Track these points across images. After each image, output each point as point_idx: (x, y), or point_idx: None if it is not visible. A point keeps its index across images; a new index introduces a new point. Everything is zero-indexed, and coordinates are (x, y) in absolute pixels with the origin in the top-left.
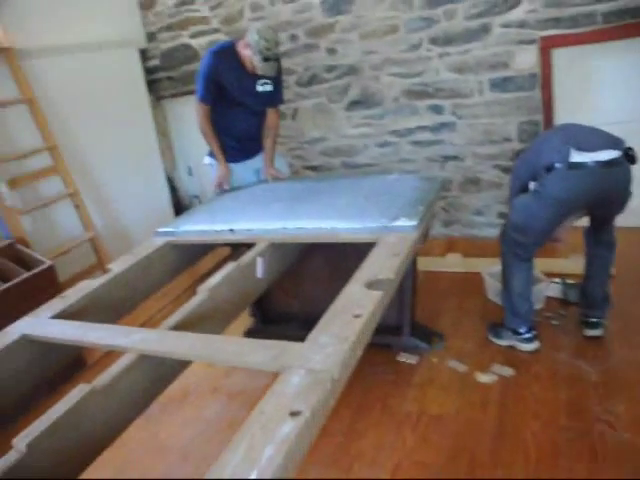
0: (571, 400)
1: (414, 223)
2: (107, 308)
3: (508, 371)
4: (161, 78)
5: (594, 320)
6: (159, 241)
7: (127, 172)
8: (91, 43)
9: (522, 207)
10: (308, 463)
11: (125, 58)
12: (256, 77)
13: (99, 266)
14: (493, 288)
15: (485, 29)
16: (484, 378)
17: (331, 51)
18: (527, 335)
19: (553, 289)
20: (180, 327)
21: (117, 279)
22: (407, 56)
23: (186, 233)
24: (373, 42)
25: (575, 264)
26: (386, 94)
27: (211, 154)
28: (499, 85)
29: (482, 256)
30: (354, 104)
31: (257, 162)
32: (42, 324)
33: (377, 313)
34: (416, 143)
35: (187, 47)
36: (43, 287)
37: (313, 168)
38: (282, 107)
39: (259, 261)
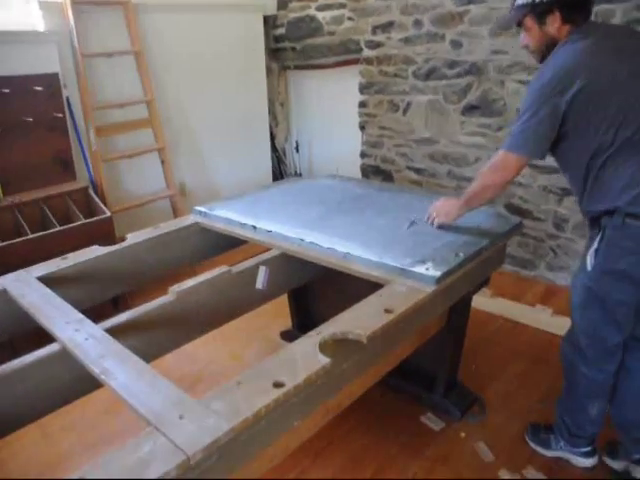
0: None
1: (436, 274)
2: (107, 279)
3: None
4: (286, 48)
5: None
6: (190, 220)
7: (229, 136)
8: (215, 5)
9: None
10: None
11: (247, 22)
12: None
13: None
14: None
15: None
16: (508, 477)
17: (456, 44)
18: (585, 448)
19: None
20: (129, 327)
21: (126, 251)
22: None
23: (216, 218)
24: (504, 40)
25: None
26: (509, 103)
27: None
28: None
29: None
30: (471, 109)
31: None
32: (23, 284)
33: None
34: (534, 167)
35: (312, 19)
36: (97, 237)
37: (417, 170)
38: (394, 98)
39: (261, 270)
